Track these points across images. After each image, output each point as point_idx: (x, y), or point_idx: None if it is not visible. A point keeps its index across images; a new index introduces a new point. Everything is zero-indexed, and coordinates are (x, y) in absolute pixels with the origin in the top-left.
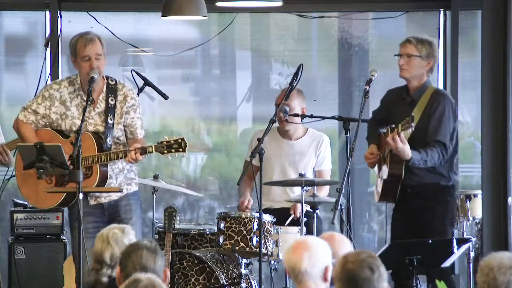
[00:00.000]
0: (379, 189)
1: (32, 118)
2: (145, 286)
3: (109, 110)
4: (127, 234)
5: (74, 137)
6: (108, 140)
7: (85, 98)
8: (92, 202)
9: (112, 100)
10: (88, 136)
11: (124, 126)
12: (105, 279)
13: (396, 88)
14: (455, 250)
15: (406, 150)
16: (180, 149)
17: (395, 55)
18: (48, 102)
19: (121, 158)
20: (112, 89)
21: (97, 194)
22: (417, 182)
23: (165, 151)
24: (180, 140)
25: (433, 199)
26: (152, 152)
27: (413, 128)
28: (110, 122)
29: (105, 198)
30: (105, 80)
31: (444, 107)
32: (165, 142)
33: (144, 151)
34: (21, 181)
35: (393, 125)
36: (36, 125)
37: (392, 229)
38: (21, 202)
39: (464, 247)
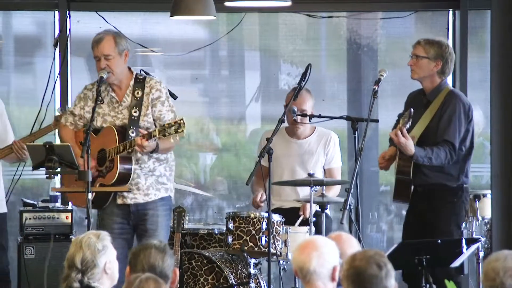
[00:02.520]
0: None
1: (71, 119)
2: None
3: (136, 103)
4: (101, 240)
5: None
6: (131, 132)
7: (113, 95)
8: (119, 201)
9: (138, 93)
10: (110, 130)
11: (154, 120)
12: (76, 285)
13: (415, 90)
14: (464, 250)
15: (409, 145)
16: (180, 130)
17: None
18: (83, 102)
19: (134, 146)
20: (139, 83)
21: (124, 193)
22: (424, 181)
23: (166, 133)
24: (179, 121)
25: (438, 200)
26: (156, 135)
27: (410, 122)
28: (135, 114)
29: (130, 200)
30: (133, 75)
31: (455, 107)
32: (166, 125)
33: (149, 136)
34: (66, 182)
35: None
36: (75, 126)
37: (403, 229)
38: (30, 202)
39: (473, 247)
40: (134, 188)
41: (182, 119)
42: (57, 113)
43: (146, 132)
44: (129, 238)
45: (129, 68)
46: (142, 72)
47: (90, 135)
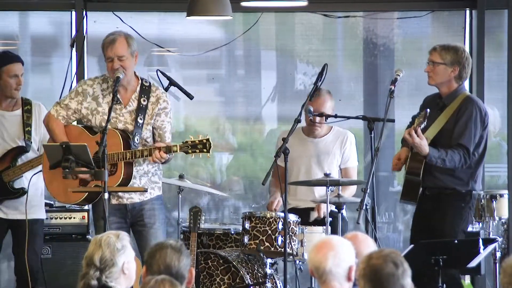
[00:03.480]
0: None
1: (63, 113)
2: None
3: (140, 110)
4: (121, 240)
5: (100, 136)
6: (135, 139)
7: (118, 96)
8: (114, 201)
9: (144, 100)
10: (114, 133)
11: (153, 128)
12: (94, 283)
13: (431, 94)
14: (481, 250)
15: (423, 145)
16: (205, 150)
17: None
18: (81, 97)
19: (146, 156)
20: (145, 90)
21: (119, 194)
22: (434, 184)
23: (189, 151)
24: (204, 141)
25: (446, 203)
26: (176, 151)
27: (425, 123)
28: (140, 121)
29: (127, 200)
30: (140, 81)
31: (471, 112)
32: (189, 142)
33: (168, 150)
34: (48, 178)
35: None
36: (67, 121)
37: (411, 231)
38: (47, 201)
39: (490, 247)
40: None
41: (208, 138)
42: None
43: (165, 144)
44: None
45: (134, 72)
46: (147, 80)
47: (84, 132)
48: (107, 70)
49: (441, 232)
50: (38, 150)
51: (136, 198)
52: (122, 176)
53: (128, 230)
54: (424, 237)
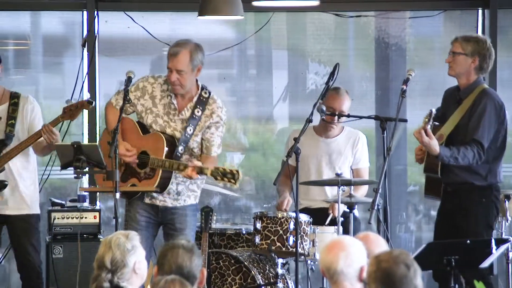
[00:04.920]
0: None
1: (122, 103)
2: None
3: (192, 120)
4: (130, 240)
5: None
6: (180, 149)
7: (174, 102)
8: (147, 200)
9: (198, 111)
10: (160, 138)
11: (202, 139)
12: (106, 285)
13: (452, 86)
14: (493, 250)
15: (433, 145)
16: (232, 180)
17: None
18: (140, 93)
19: (180, 171)
20: (202, 102)
21: (153, 194)
22: (453, 180)
23: (219, 178)
24: (235, 172)
25: (467, 199)
26: (207, 174)
27: (432, 122)
28: (189, 132)
29: (159, 202)
30: (199, 91)
31: (486, 106)
32: (221, 169)
33: (200, 170)
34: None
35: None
36: (124, 111)
37: (434, 228)
38: (59, 201)
39: (503, 248)
40: (165, 192)
41: (238, 171)
42: (66, 105)
43: (199, 165)
44: (154, 232)
45: (196, 81)
46: (207, 91)
47: (135, 128)
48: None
49: (466, 231)
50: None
51: (169, 202)
52: (157, 182)
53: (156, 226)
54: (448, 234)
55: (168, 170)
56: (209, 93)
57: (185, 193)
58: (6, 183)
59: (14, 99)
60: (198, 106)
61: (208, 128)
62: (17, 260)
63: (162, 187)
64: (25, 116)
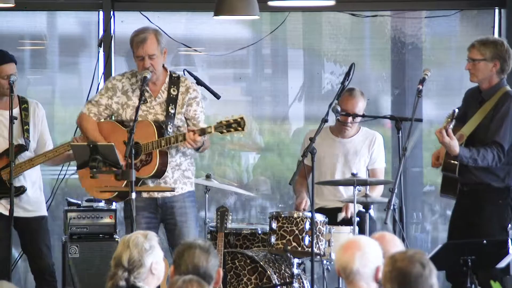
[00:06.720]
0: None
1: (95, 110)
2: (189, 279)
3: (171, 100)
4: (149, 240)
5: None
6: (169, 128)
7: (146, 88)
8: (144, 194)
9: (174, 91)
10: (148, 123)
11: (186, 119)
12: (122, 283)
13: (473, 87)
14: (510, 251)
15: (453, 145)
16: (239, 128)
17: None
18: (111, 92)
19: (180, 142)
20: (175, 81)
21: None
22: (470, 180)
23: (224, 131)
24: (239, 119)
25: (483, 200)
26: (211, 132)
27: (454, 122)
28: (172, 111)
29: (158, 193)
30: (168, 73)
31: (508, 109)
32: (224, 122)
33: (202, 132)
34: (81, 173)
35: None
36: (98, 117)
37: (449, 228)
38: (75, 201)
39: None
40: (162, 182)
41: (243, 117)
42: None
43: (199, 127)
44: (156, 231)
45: (163, 65)
46: (175, 72)
47: (117, 126)
48: (137, 67)
49: (481, 231)
50: (34, 150)
51: (167, 192)
52: (157, 165)
53: (158, 226)
54: (462, 234)
55: (166, 150)
56: (178, 74)
57: (181, 180)
58: (25, 188)
59: (24, 104)
60: (172, 86)
61: (189, 105)
62: (30, 261)
63: (160, 172)
64: (37, 123)
